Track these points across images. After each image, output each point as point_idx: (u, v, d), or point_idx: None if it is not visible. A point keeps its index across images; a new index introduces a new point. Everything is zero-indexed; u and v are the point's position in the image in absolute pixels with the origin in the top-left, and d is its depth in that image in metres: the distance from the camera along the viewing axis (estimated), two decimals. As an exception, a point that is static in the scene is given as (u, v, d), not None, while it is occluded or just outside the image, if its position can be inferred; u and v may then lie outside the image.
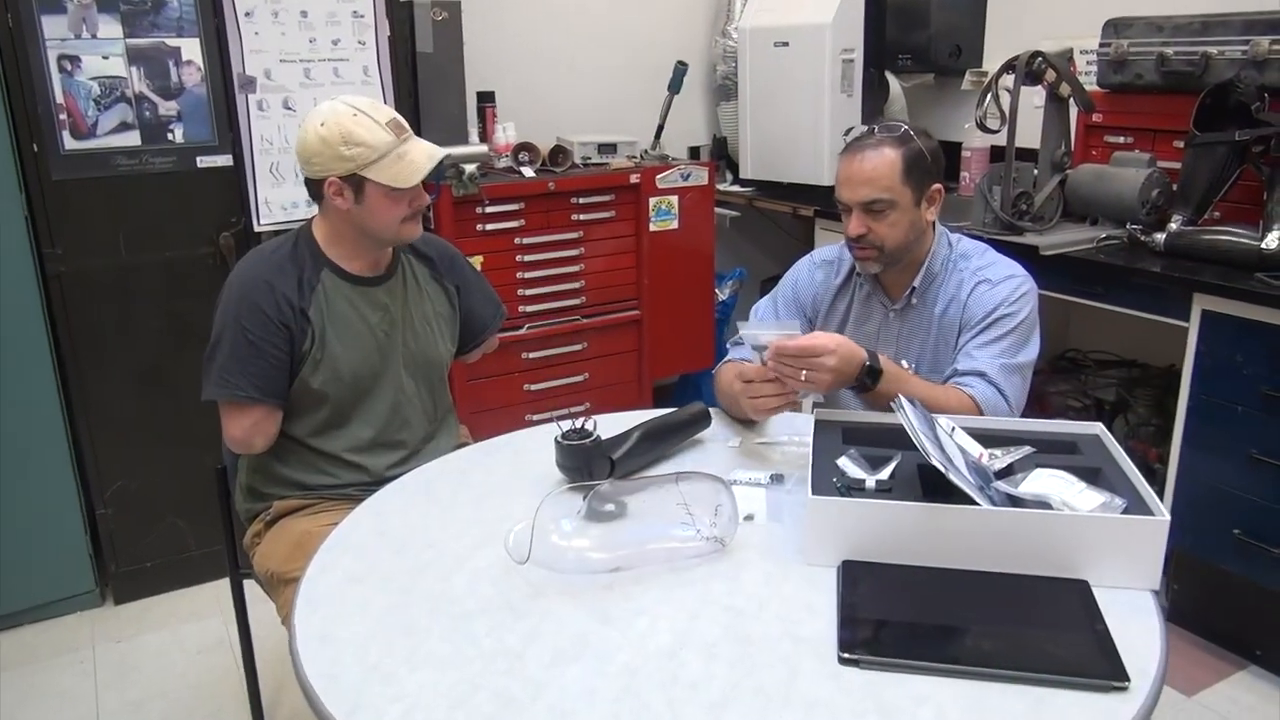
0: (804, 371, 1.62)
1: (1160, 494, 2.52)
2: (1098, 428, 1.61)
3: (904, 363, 1.89)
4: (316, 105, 1.83)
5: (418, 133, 3.08)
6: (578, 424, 1.65)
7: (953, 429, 1.52)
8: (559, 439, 1.62)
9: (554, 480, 1.65)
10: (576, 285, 3.25)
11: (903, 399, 1.43)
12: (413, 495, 1.65)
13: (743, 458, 1.75)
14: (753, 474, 1.65)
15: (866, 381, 1.67)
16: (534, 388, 3.26)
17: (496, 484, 1.67)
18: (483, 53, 3.45)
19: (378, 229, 1.81)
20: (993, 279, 1.81)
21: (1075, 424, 1.61)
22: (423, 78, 2.97)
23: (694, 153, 3.98)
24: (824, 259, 2.01)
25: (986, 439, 1.52)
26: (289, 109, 2.75)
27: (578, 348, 3.31)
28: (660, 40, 3.82)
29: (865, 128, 1.83)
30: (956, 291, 1.84)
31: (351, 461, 1.90)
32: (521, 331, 3.19)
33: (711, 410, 1.86)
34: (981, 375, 1.75)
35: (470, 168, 2.90)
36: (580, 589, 1.31)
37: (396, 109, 2.95)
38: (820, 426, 1.64)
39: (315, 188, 1.80)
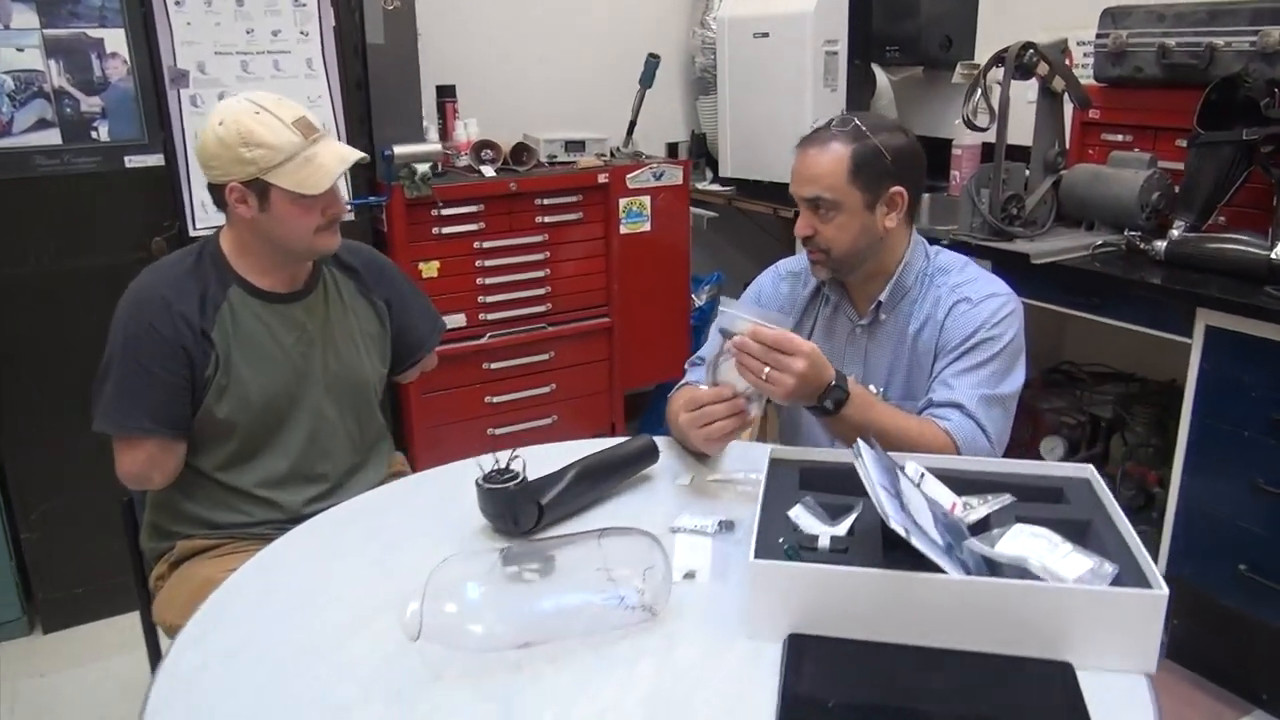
0: (767, 369, 1.43)
1: (1159, 521, 2.35)
2: (1087, 471, 1.42)
3: (872, 387, 1.71)
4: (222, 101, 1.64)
5: (369, 130, 2.95)
6: (502, 462, 1.47)
7: (921, 476, 1.33)
8: (479, 481, 1.44)
9: (478, 526, 1.47)
10: (541, 291, 3.07)
11: (861, 445, 1.25)
12: (316, 543, 1.46)
13: (692, 498, 1.57)
14: (700, 520, 1.46)
15: (828, 405, 1.49)
16: (496, 400, 3.08)
17: (414, 530, 1.49)
18: (442, 44, 3.26)
19: (287, 240, 1.63)
20: (972, 298, 1.63)
21: (1062, 466, 1.43)
22: (374, 71, 2.78)
23: (672, 150, 3.80)
24: (790, 270, 1.82)
25: (961, 483, 1.34)
26: (226, 105, 2.55)
27: (543, 357, 3.13)
28: (635, 31, 3.62)
29: (825, 120, 1.64)
30: (933, 310, 1.66)
31: (264, 498, 1.72)
32: (483, 340, 3.01)
33: (661, 441, 1.68)
34: (959, 407, 1.56)
35: (423, 167, 2.71)
36: (484, 670, 1.13)
37: (344, 105, 2.81)
38: (775, 467, 1.46)
39: (218, 194, 1.62)
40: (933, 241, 1.77)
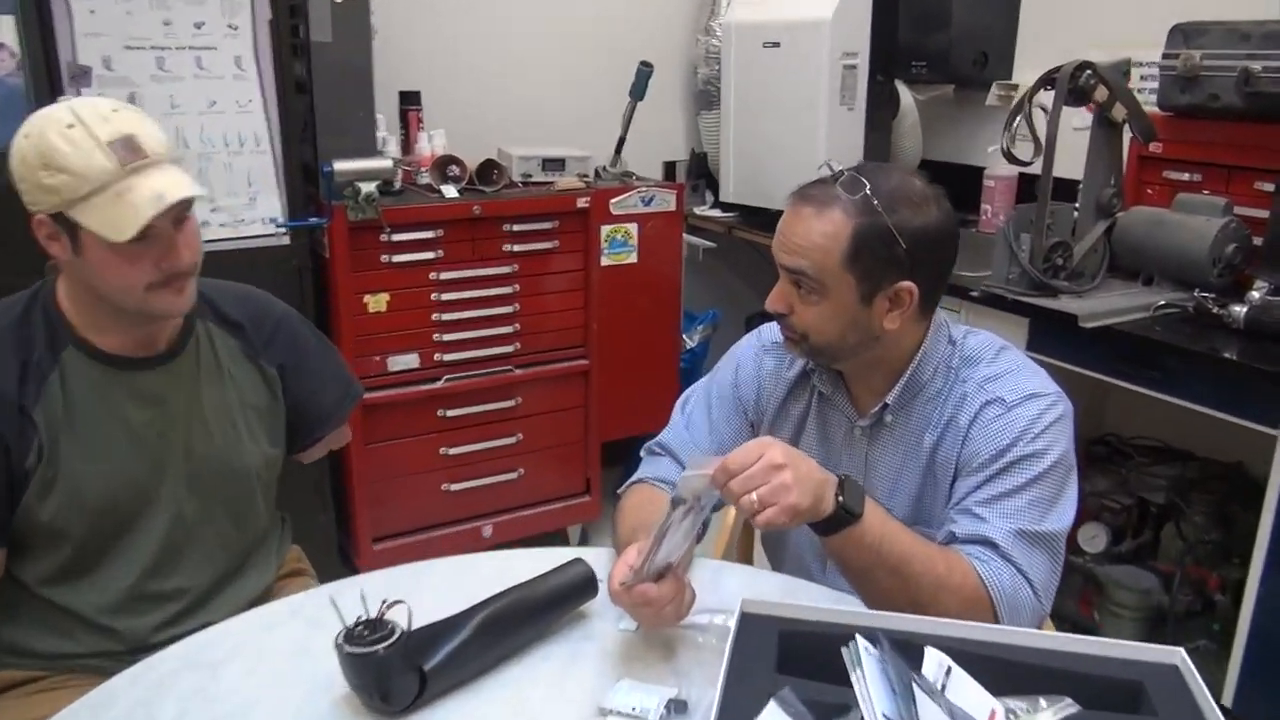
0: (755, 495, 1.05)
1: (1221, 638, 1.95)
2: (1177, 656, 1.03)
3: None
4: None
5: (313, 141, 2.57)
6: (374, 613, 1.08)
7: (948, 670, 0.94)
8: (338, 642, 1.05)
9: (339, 692, 1.09)
10: (508, 329, 2.68)
11: (861, 647, 0.86)
12: (155, 684, 1.10)
13: (637, 654, 1.19)
14: (641, 696, 1.08)
15: (847, 510, 1.10)
16: (453, 452, 2.69)
17: (250, 698, 1.11)
18: (405, 44, 2.89)
19: (111, 295, 1.25)
20: (1006, 398, 1.23)
21: (1141, 648, 1.03)
22: (318, 73, 2.41)
23: (669, 170, 3.41)
24: (775, 341, 1.43)
25: (1001, 671, 0.96)
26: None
27: (509, 404, 2.74)
28: (629, 36, 3.23)
29: (833, 170, 1.25)
30: (955, 413, 1.26)
31: (100, 623, 1.34)
32: (438, 384, 2.62)
33: (603, 556, 1.30)
34: (991, 546, 1.17)
35: (368, 186, 2.33)
36: None
37: (281, 111, 2.43)
38: (748, 624, 1.08)
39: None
40: (963, 295, 1.37)
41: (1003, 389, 1.24)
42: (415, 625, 1.12)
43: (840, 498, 1.09)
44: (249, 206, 2.33)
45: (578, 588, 1.23)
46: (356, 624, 1.06)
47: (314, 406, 1.55)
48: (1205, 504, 2.24)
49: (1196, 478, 2.30)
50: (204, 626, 1.29)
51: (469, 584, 1.28)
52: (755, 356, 1.44)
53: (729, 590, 1.32)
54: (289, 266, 2.40)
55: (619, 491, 1.46)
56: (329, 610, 1.07)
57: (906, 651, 0.96)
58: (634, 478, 1.45)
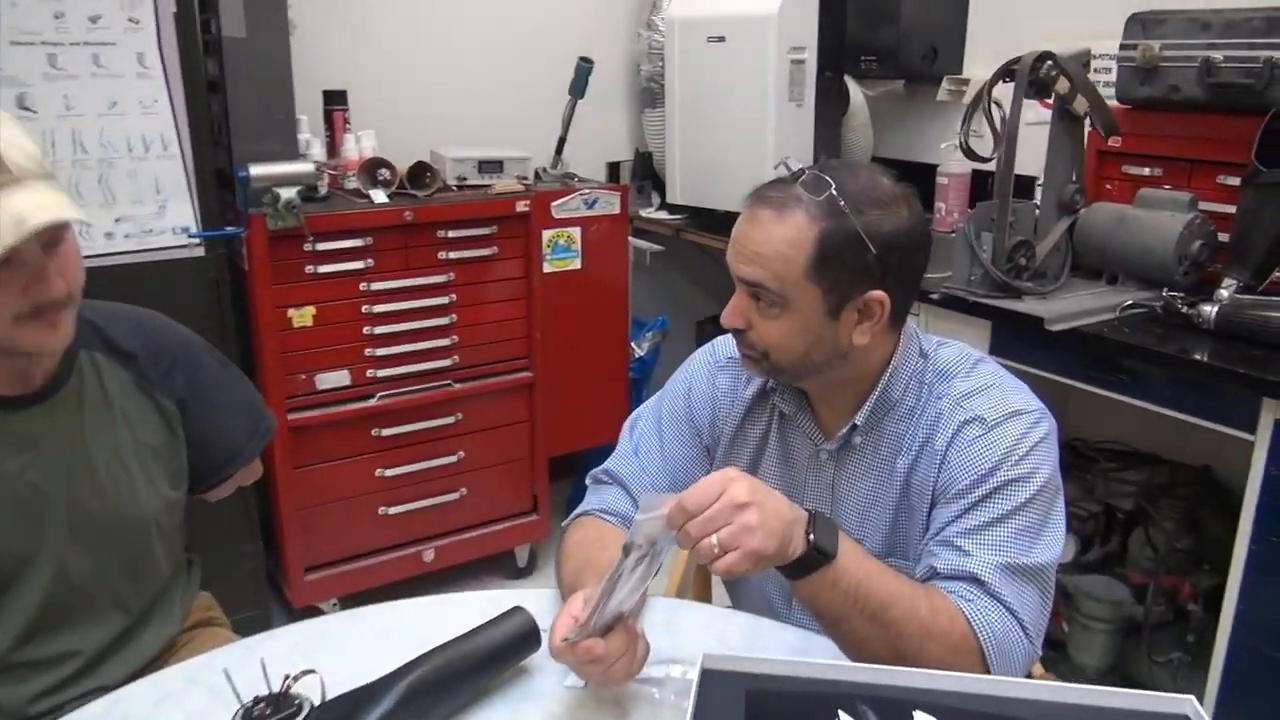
0: (714, 538, 0.92)
1: (1197, 650, 1.88)
2: (1188, 705, 0.92)
3: None
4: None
5: (227, 144, 2.38)
6: (280, 685, 0.93)
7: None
8: (234, 725, 0.90)
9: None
10: (446, 342, 2.53)
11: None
12: None
13: (587, 713, 1.06)
14: (589, 771, 0.94)
15: (818, 551, 0.97)
16: (390, 473, 2.53)
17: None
18: (329, 41, 2.72)
19: None
20: (987, 417, 1.12)
21: (1149, 698, 0.92)
22: (231, 72, 2.23)
23: (613, 171, 3.28)
24: (730, 356, 1.31)
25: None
26: (27, 110, 1.99)
27: (448, 421, 2.59)
28: (568, 32, 3.10)
29: (794, 167, 1.13)
30: (931, 433, 1.15)
31: (-33, 694, 1.17)
32: (371, 402, 2.46)
33: (546, 601, 1.17)
34: (977, 582, 1.05)
35: (288, 192, 2.16)
36: None
37: (190, 113, 2.23)
38: (709, 682, 0.95)
39: None
40: (922, 298, 1.26)
41: (982, 406, 1.13)
42: (331, 694, 0.98)
43: (811, 536, 0.96)
44: (158, 216, 2.15)
45: (518, 641, 1.09)
46: (256, 702, 0.91)
47: (220, 443, 1.39)
48: (1174, 510, 2.17)
49: (1165, 482, 2.22)
50: (96, 692, 1.14)
51: (394, 638, 1.14)
52: (709, 374, 1.32)
53: (687, 633, 1.20)
54: (204, 280, 2.23)
55: (563, 525, 1.32)
56: (248, 665, 0.92)
57: (893, 716, 0.84)
58: (579, 509, 1.32)
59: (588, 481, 1.37)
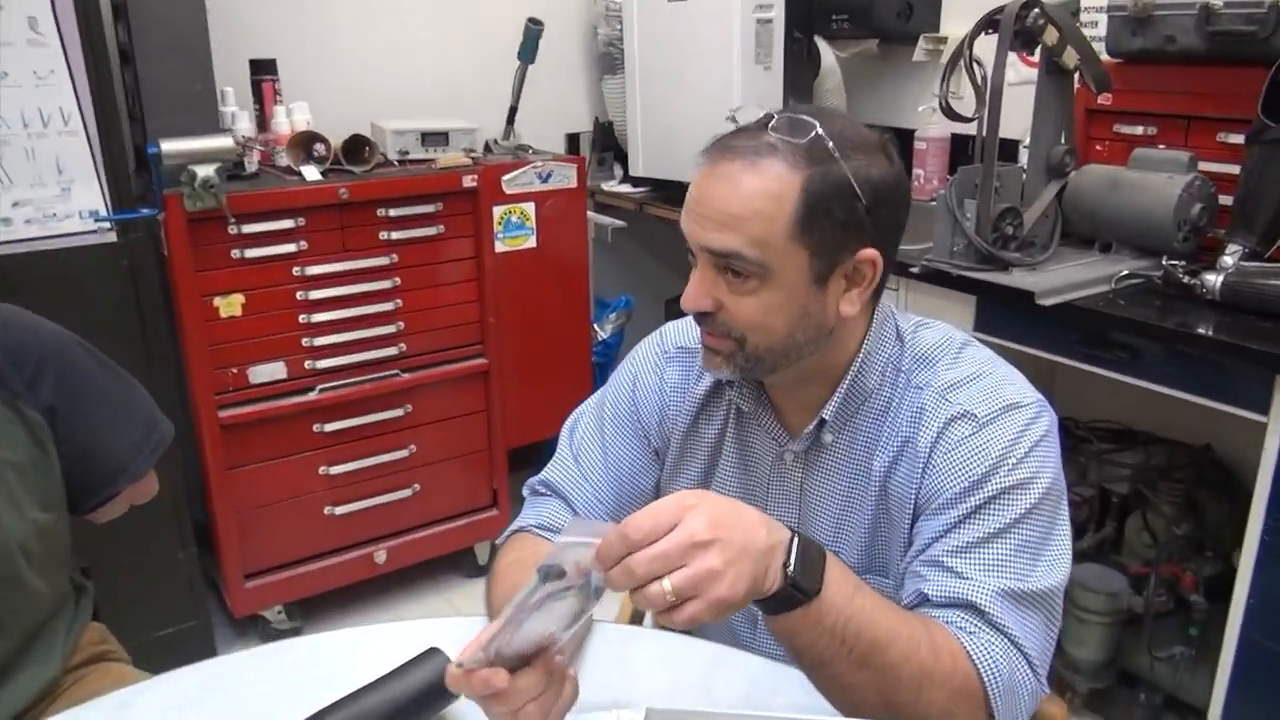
0: (667, 584, 0.73)
1: (1200, 644, 1.75)
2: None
3: None
4: None
5: (141, 118, 2.17)
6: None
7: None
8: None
9: None
10: (390, 329, 2.34)
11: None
12: None
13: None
14: None
15: (798, 590, 0.79)
16: (334, 470, 2.35)
17: None
18: (260, 6, 2.51)
19: None
20: (977, 412, 0.96)
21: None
22: (140, 38, 2.04)
23: (573, 142, 3.09)
24: (680, 345, 1.14)
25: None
26: (-96, 80, 1.79)
27: (397, 413, 2.41)
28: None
29: (760, 113, 0.96)
30: (912, 431, 0.99)
31: None
32: (311, 396, 2.28)
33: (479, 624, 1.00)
34: (975, 611, 0.89)
35: (205, 170, 1.97)
36: None
37: (92, 83, 1.94)
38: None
39: None
40: (901, 272, 1.10)
41: (971, 400, 0.97)
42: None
43: (790, 569, 0.78)
44: (62, 199, 1.95)
45: (432, 690, 0.92)
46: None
47: (102, 457, 1.21)
48: (1173, 493, 2.02)
49: (1162, 464, 2.08)
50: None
51: (301, 680, 0.98)
52: (655, 366, 1.15)
53: (639, 667, 1.04)
54: (118, 268, 2.03)
55: (496, 542, 1.16)
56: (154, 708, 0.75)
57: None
58: (513, 525, 1.15)
59: (524, 492, 1.20)
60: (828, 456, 1.04)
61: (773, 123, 0.92)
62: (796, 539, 0.79)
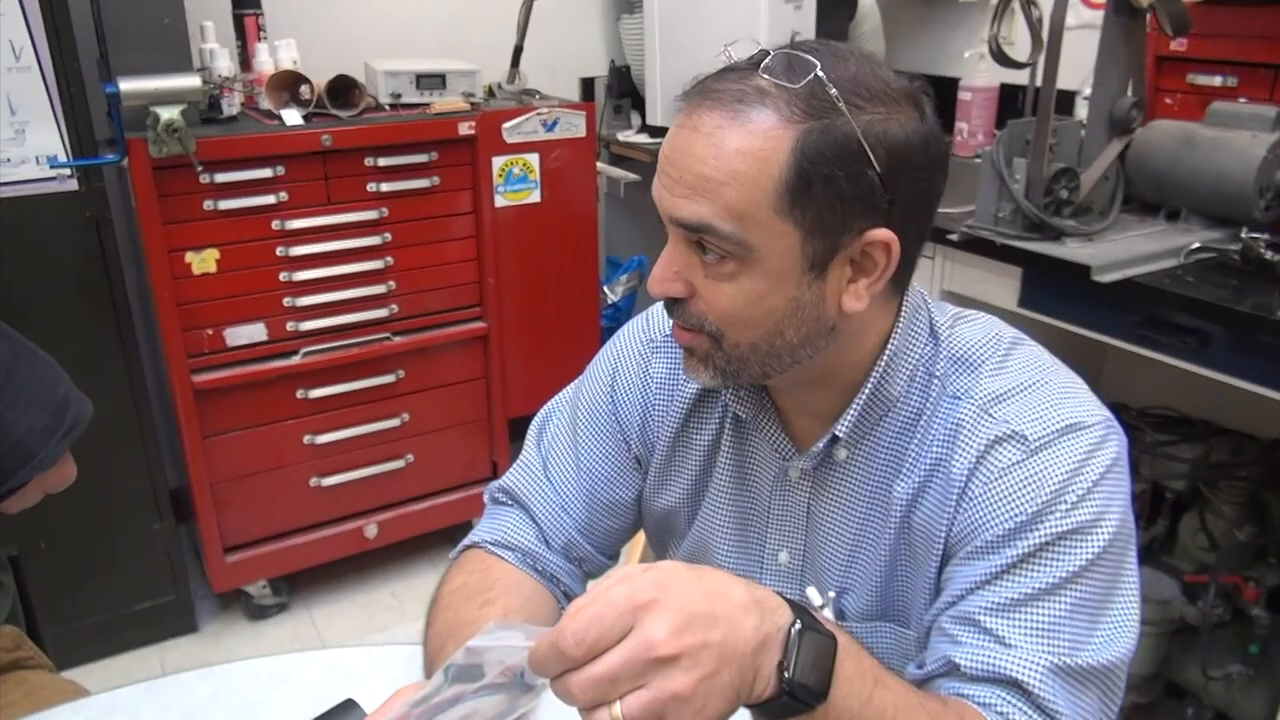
0: (617, 709, 0.55)
1: (1264, 663, 1.55)
2: None
3: (812, 591, 0.87)
4: None
5: (104, 54, 1.98)
6: None
7: None
8: None
9: None
10: (381, 289, 2.17)
11: None
12: None
13: None
14: None
15: (796, 699, 0.60)
16: (320, 440, 2.20)
17: None
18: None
19: None
20: (1028, 433, 0.76)
21: None
22: (102, -37, 1.85)
23: (587, 87, 2.87)
24: (667, 333, 0.95)
25: None
26: None
27: (388, 379, 2.25)
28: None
29: (756, 49, 0.76)
30: (945, 453, 0.80)
31: None
32: (294, 360, 2.12)
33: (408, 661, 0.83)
34: (1021, 691, 0.70)
35: (169, 113, 1.79)
36: None
37: (46, 14, 1.75)
38: None
39: None
40: (937, 239, 0.92)
41: (1021, 416, 0.77)
42: None
43: (789, 671, 0.59)
44: (15, 142, 1.79)
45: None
46: None
47: (7, 443, 1.05)
48: (1235, 492, 1.81)
49: (1225, 459, 1.86)
50: None
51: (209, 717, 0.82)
52: (639, 357, 0.96)
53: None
54: (80, 219, 1.87)
55: (451, 556, 0.99)
56: None
57: None
58: (467, 539, 0.98)
59: (485, 499, 1.03)
60: (841, 476, 0.86)
61: (766, 61, 0.72)
62: (797, 625, 0.60)
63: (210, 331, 2.02)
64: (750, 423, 0.88)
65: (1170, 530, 1.92)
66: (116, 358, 1.97)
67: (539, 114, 2.23)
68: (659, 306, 0.98)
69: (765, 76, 0.71)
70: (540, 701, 0.63)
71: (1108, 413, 0.79)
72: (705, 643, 0.55)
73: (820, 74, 0.70)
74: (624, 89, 2.84)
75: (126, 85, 1.76)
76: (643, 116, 2.79)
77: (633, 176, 2.61)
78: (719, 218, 0.72)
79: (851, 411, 0.82)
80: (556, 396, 1.04)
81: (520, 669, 0.58)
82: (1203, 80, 1.80)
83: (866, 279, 0.76)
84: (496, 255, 2.28)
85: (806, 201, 0.71)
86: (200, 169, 1.87)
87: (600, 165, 2.48)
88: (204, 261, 1.97)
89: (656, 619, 0.55)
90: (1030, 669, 0.70)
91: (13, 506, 1.12)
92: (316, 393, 2.17)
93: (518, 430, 2.49)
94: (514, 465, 1.01)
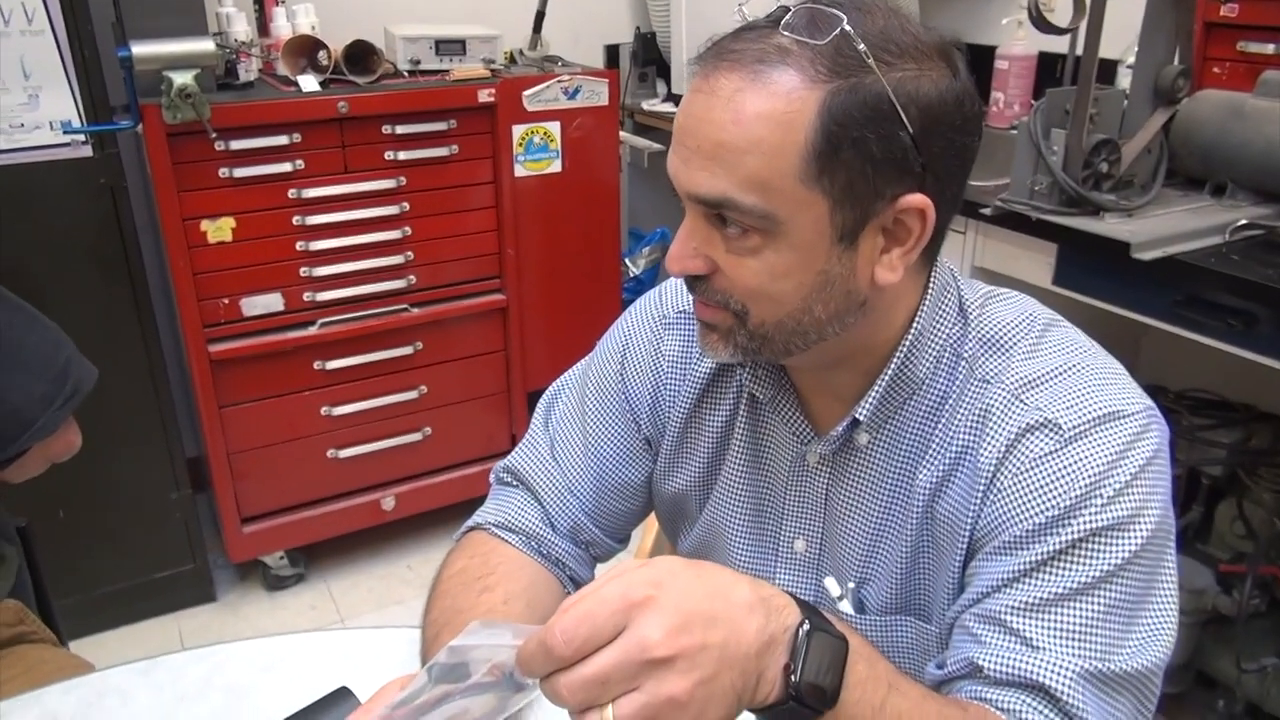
0: (609, 713, 0.51)
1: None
2: None
3: (831, 582, 0.82)
4: None
5: (118, 16, 1.95)
6: None
7: None
8: None
9: None
10: (398, 260, 2.14)
11: None
12: None
13: None
14: None
15: (803, 705, 0.56)
16: (337, 412, 2.18)
17: None
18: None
19: None
20: (1063, 422, 0.71)
21: None
22: (115, -78, 1.81)
23: (611, 54, 2.81)
24: (682, 310, 0.91)
25: None
26: None
27: (406, 351, 2.22)
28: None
29: (778, 6, 0.71)
30: (972, 442, 0.75)
31: None
32: (311, 330, 2.09)
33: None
34: (1048, 698, 0.66)
35: (182, 78, 1.75)
36: None
37: None
38: None
39: None
40: (969, 213, 0.92)
41: (1055, 403, 0.72)
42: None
43: (795, 677, 0.55)
44: (29, 107, 1.76)
45: (333, 750, 0.73)
46: None
47: (4, 409, 1.03)
48: (1275, 479, 1.75)
49: (1266, 444, 1.79)
50: None
51: (200, 703, 0.80)
52: (651, 334, 0.92)
53: None
54: (94, 186, 1.85)
55: (454, 538, 0.96)
56: None
57: None
58: (471, 520, 0.95)
59: (490, 479, 0.99)
60: (862, 461, 0.81)
61: (787, 17, 0.67)
62: (806, 626, 0.56)
63: (226, 301, 1.99)
64: (767, 404, 0.84)
65: (1206, 517, 1.86)
66: (133, 326, 1.95)
67: (561, 81, 2.18)
68: (672, 282, 0.94)
69: (786, 34, 0.66)
70: (535, 700, 0.59)
71: (1149, 401, 0.74)
72: (704, 644, 0.51)
73: (847, 28, 0.65)
74: (649, 56, 2.78)
75: (140, 49, 1.73)
76: (668, 85, 2.73)
77: (657, 146, 2.55)
78: (740, 190, 0.67)
79: (873, 393, 0.77)
80: (565, 374, 1.00)
81: (509, 668, 0.55)
82: (1254, 48, 1.71)
83: (900, 248, 0.71)
84: (516, 226, 2.24)
85: (835, 167, 0.66)
86: (215, 136, 1.84)
87: (623, 135, 2.43)
88: (220, 230, 1.94)
89: (651, 618, 0.51)
90: (1059, 674, 0.66)
91: (15, 475, 1.11)
92: (334, 364, 2.14)
93: (536, 404, 2.46)
94: (520, 445, 0.97)
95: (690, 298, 0.81)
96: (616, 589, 0.52)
